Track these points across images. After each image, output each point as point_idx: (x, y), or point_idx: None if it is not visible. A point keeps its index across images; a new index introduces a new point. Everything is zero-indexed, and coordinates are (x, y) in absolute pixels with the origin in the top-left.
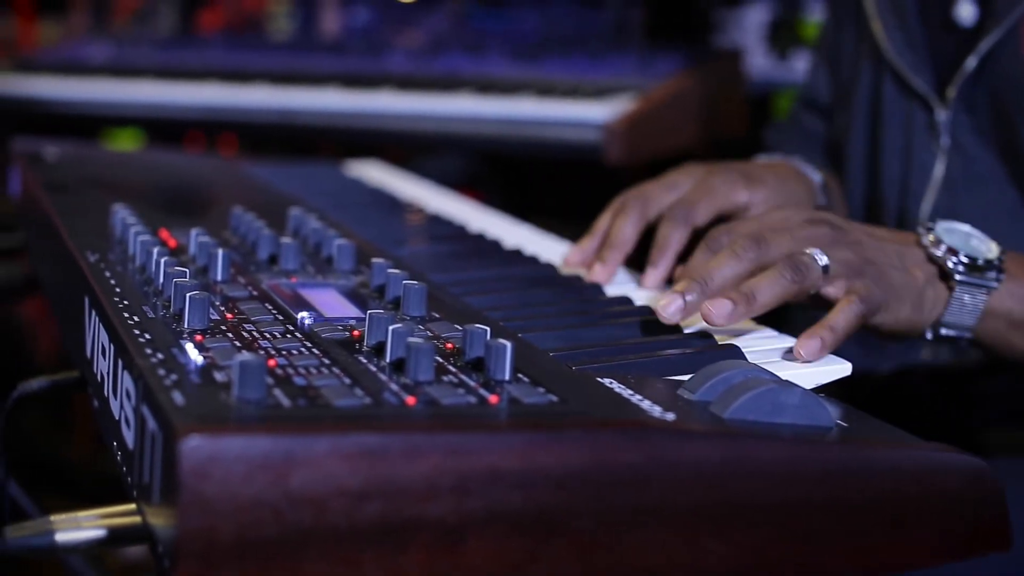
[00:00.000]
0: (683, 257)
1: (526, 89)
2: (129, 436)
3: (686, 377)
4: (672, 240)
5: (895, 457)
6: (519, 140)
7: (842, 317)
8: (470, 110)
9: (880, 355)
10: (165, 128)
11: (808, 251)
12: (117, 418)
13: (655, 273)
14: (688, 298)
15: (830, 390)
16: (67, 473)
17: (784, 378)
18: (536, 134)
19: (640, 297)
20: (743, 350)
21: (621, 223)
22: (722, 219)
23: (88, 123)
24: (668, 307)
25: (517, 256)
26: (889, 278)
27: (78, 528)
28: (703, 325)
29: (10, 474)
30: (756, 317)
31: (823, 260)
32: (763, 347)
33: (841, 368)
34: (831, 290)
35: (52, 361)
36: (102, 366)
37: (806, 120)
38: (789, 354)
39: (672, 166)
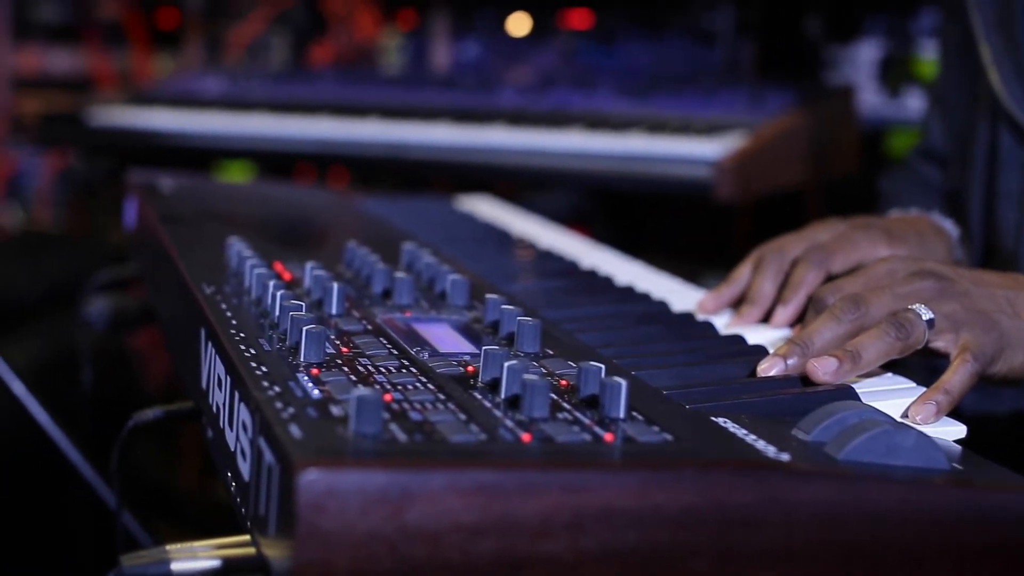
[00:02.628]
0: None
1: (637, 125)
2: (245, 468)
3: (800, 418)
4: (806, 281)
5: (1011, 501)
6: (629, 176)
7: (956, 379)
8: (580, 146)
9: (996, 398)
10: (276, 161)
11: (912, 307)
12: (232, 449)
13: (784, 311)
14: (789, 362)
15: None
16: (175, 501)
17: (899, 420)
18: (646, 170)
19: (753, 336)
20: (857, 391)
21: (760, 280)
22: None
23: (201, 155)
24: (769, 371)
25: (629, 293)
26: (1000, 326)
27: (194, 558)
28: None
29: (123, 503)
30: None
31: (927, 315)
32: (877, 388)
33: (956, 431)
34: (940, 344)
35: (161, 391)
36: (218, 397)
37: (923, 169)
38: (903, 392)
39: (783, 204)
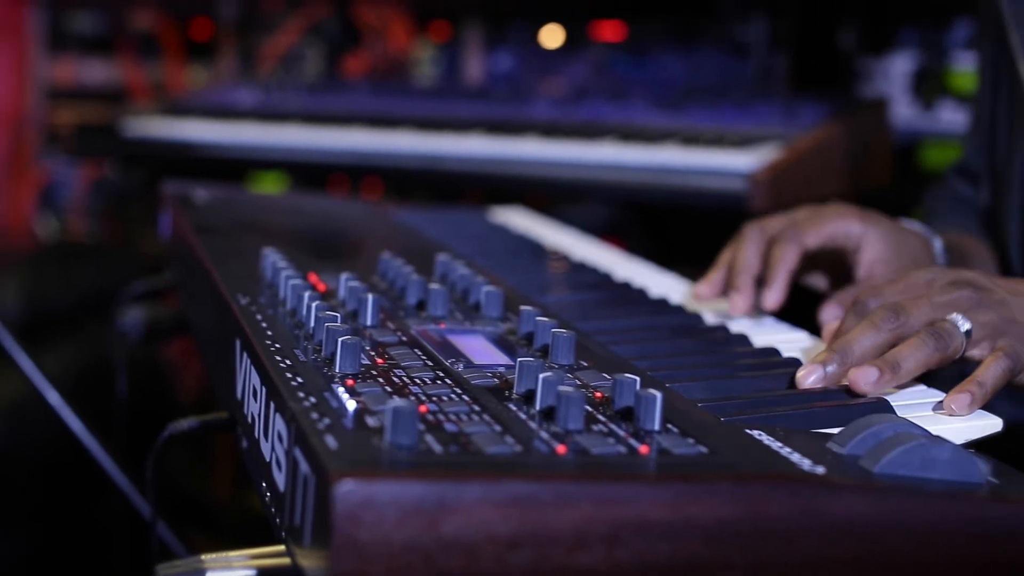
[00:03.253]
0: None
1: (670, 137)
2: (280, 478)
3: (835, 430)
4: (783, 258)
5: None
6: (662, 188)
7: (990, 372)
8: (613, 158)
9: None
10: (310, 172)
11: (950, 317)
12: (268, 460)
13: (770, 293)
14: (828, 369)
15: (980, 446)
16: (209, 511)
17: (934, 433)
18: (679, 183)
19: (767, 337)
20: (892, 404)
21: (742, 249)
22: (839, 251)
23: (234, 166)
24: (808, 377)
25: (663, 305)
26: None
27: (229, 568)
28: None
29: (158, 513)
30: None
31: (965, 325)
32: (912, 401)
33: (992, 424)
34: (976, 352)
35: (193, 401)
36: (253, 408)
37: (960, 187)
38: (938, 407)
39: None
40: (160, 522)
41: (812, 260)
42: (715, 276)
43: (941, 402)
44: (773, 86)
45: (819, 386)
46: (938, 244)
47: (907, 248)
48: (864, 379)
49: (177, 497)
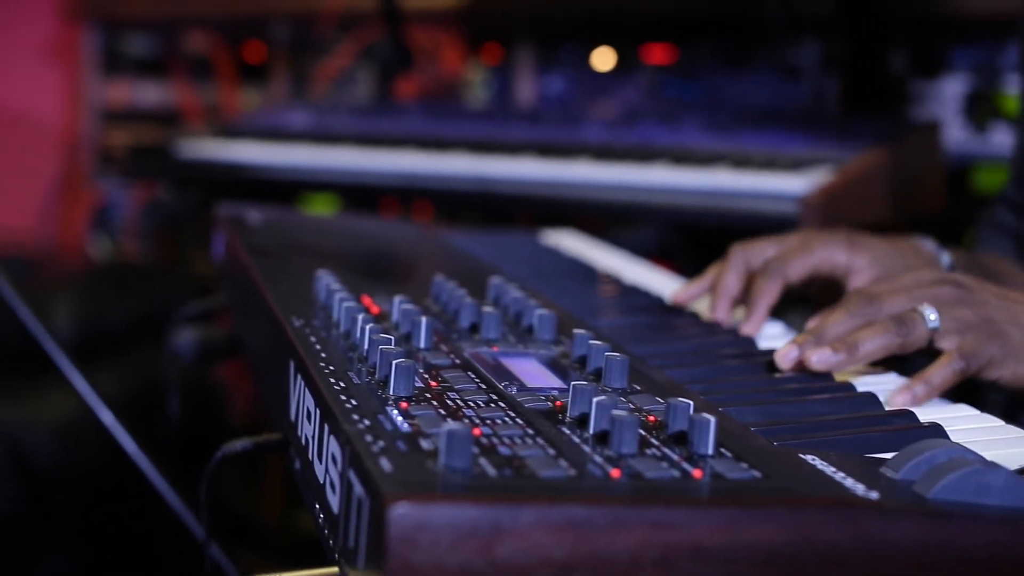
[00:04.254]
0: None
1: (721, 160)
2: (334, 500)
3: (888, 455)
4: (764, 291)
5: None
6: (714, 211)
7: (939, 372)
8: (665, 181)
9: None
10: (361, 194)
11: (919, 308)
12: (322, 482)
13: (750, 324)
14: (801, 350)
15: None
16: (260, 532)
17: (989, 458)
18: (731, 206)
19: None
20: (946, 429)
21: (724, 274)
22: (828, 280)
23: (286, 188)
24: (785, 357)
25: (715, 328)
26: (1006, 336)
27: None
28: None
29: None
30: (955, 394)
31: (932, 316)
32: (966, 426)
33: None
34: (945, 345)
35: (244, 422)
36: (307, 430)
37: (1002, 214)
38: (992, 431)
39: None
40: (212, 542)
41: (805, 285)
42: (694, 287)
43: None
44: (824, 109)
45: (793, 366)
46: (945, 259)
47: (899, 266)
48: (819, 358)
49: (228, 517)
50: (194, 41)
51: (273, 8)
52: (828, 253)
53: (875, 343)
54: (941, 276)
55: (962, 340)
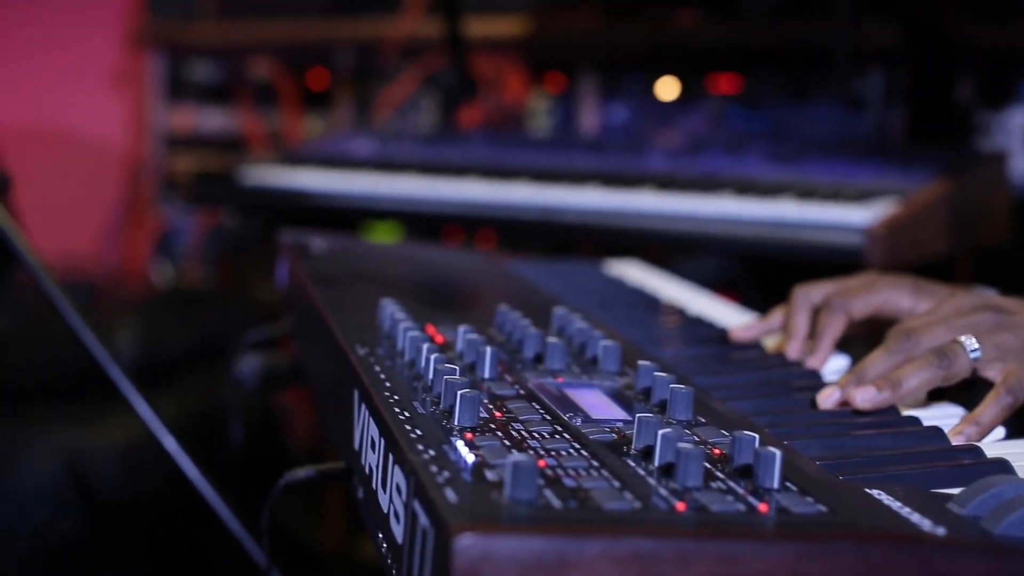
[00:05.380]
0: None
1: (786, 191)
2: (398, 530)
3: (955, 490)
4: (828, 326)
5: None
6: (778, 242)
7: (988, 411)
8: (729, 211)
9: None
10: (424, 222)
11: (960, 339)
12: (385, 511)
13: (815, 359)
14: (844, 391)
15: None
16: (320, 559)
17: None
18: (795, 237)
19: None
20: (1013, 465)
21: (793, 316)
22: (891, 323)
23: (350, 215)
24: (828, 399)
25: (779, 361)
26: None
27: None
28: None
29: (274, 562)
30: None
31: (973, 346)
32: None
33: None
34: (990, 373)
35: (305, 449)
36: (371, 459)
37: None
38: None
39: (932, 273)
40: (274, 569)
41: (869, 327)
42: (755, 329)
43: None
44: (889, 140)
45: (836, 406)
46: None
47: None
48: (862, 396)
49: (289, 544)
50: (258, 68)
51: (337, 36)
52: (893, 295)
53: (918, 378)
54: (979, 302)
55: (1006, 369)
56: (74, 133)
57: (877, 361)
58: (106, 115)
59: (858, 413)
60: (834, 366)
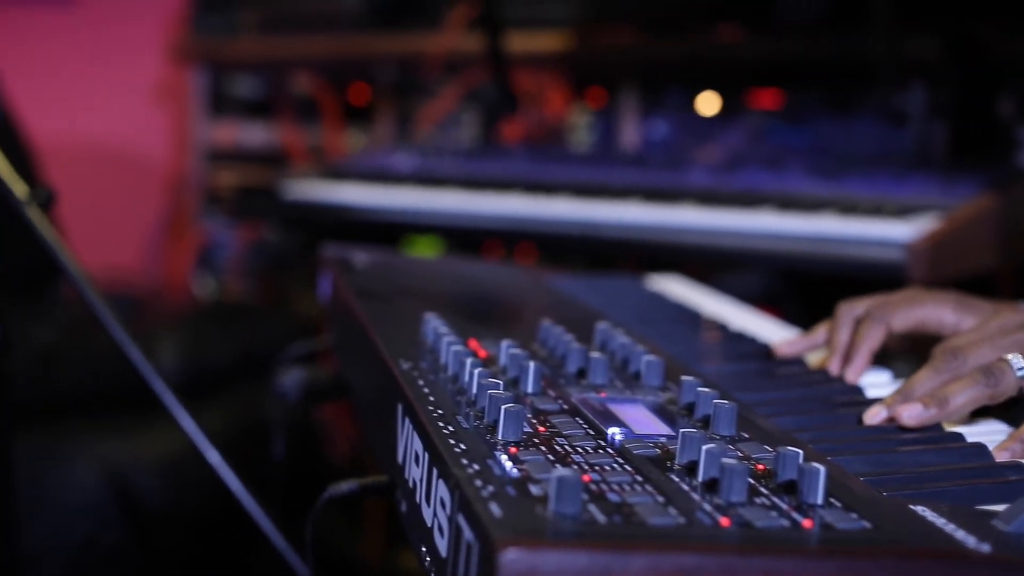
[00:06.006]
0: None
1: (828, 206)
2: (442, 544)
3: (999, 507)
4: (867, 336)
5: None
6: (819, 257)
7: None
8: (770, 227)
9: None
10: (465, 236)
11: (1007, 357)
12: (429, 525)
13: (852, 368)
14: (891, 409)
15: None
16: (361, 572)
17: None
18: (837, 252)
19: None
20: None
21: (837, 331)
22: (934, 339)
23: (390, 230)
24: (875, 417)
25: (822, 377)
26: None
27: None
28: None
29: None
30: None
31: (1020, 364)
32: None
33: None
34: None
35: (345, 462)
36: (414, 473)
37: None
38: None
39: (974, 289)
40: None
41: (912, 343)
42: (798, 344)
43: None
44: (931, 155)
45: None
46: None
47: None
48: (909, 413)
49: (331, 558)
50: (300, 83)
51: (378, 50)
52: (936, 310)
53: (965, 396)
54: None
55: None
56: (118, 148)
57: (924, 380)
58: (149, 130)
59: (902, 429)
60: (874, 380)
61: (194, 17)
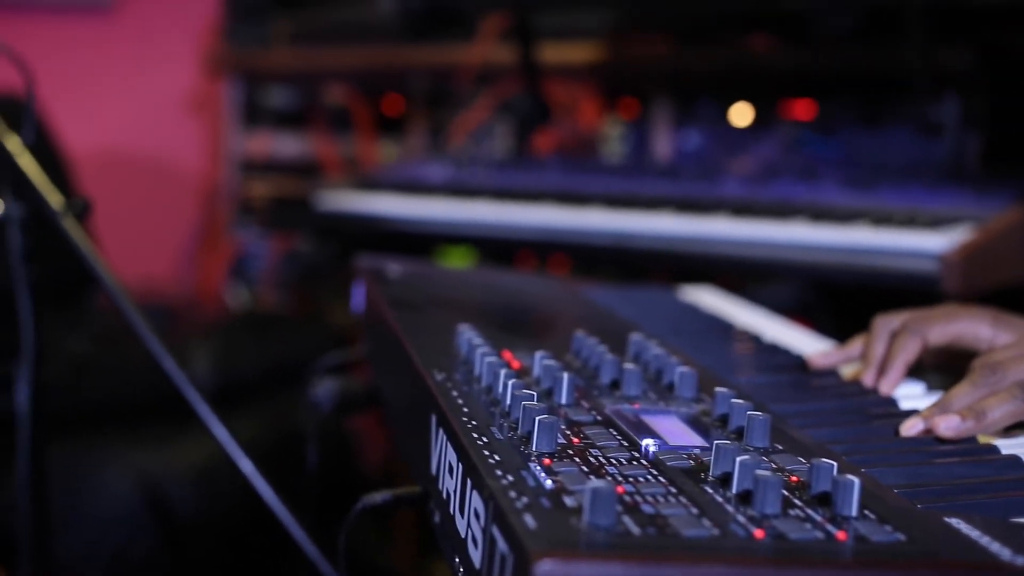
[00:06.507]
0: None
1: (861, 218)
2: (476, 555)
3: None
4: (903, 349)
5: None
6: (852, 269)
7: None
8: (804, 238)
9: None
10: (498, 247)
11: None
12: (463, 536)
13: (886, 380)
14: (929, 422)
15: None
16: None
17: None
18: (870, 263)
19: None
20: None
21: (873, 344)
22: (970, 354)
23: (424, 240)
24: (911, 429)
25: (856, 389)
26: None
27: None
28: None
29: None
30: None
31: None
32: None
33: None
34: None
35: (377, 472)
36: (448, 484)
37: None
38: None
39: (1008, 301)
40: None
41: (947, 358)
42: (833, 357)
43: None
44: (965, 166)
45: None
46: None
47: None
48: (947, 425)
49: (363, 568)
50: (333, 94)
51: (411, 62)
52: (972, 324)
53: (1002, 410)
54: None
55: None
56: (151, 158)
57: (963, 393)
58: (183, 141)
59: (936, 442)
60: (908, 391)
61: (228, 28)
